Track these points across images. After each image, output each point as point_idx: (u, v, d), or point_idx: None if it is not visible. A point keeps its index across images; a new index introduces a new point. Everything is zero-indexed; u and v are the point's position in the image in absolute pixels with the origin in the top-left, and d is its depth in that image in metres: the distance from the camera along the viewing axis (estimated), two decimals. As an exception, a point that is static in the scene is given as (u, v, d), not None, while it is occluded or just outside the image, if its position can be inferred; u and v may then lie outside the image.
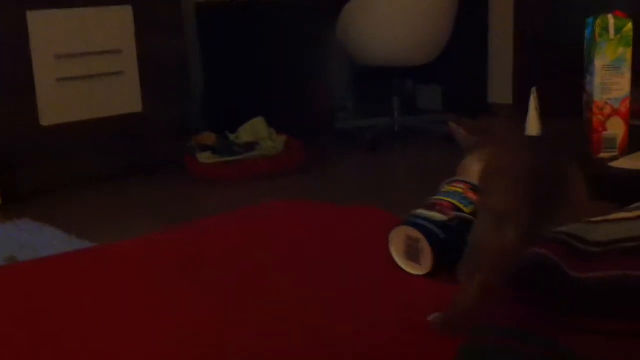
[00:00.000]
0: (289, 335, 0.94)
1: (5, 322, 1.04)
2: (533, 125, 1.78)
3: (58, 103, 3.30)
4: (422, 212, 1.10)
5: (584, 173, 1.02)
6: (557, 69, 4.22)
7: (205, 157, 3.47)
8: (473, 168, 1.12)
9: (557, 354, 0.70)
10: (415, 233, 1.06)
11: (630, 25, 1.65)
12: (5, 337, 1.00)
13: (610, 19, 1.65)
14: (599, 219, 0.85)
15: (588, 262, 0.78)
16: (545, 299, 0.75)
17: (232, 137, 3.65)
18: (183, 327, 0.99)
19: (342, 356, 0.89)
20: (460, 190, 1.12)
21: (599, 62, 1.66)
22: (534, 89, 1.80)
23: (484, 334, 0.74)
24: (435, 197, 1.13)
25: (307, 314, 1.00)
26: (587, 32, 1.74)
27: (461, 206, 1.09)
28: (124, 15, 3.45)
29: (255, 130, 3.67)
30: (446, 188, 1.14)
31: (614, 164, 1.65)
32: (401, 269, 1.10)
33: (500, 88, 4.64)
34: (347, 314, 1.00)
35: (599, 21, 1.66)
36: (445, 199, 1.11)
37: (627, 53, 1.65)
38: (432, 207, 1.10)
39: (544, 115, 1.85)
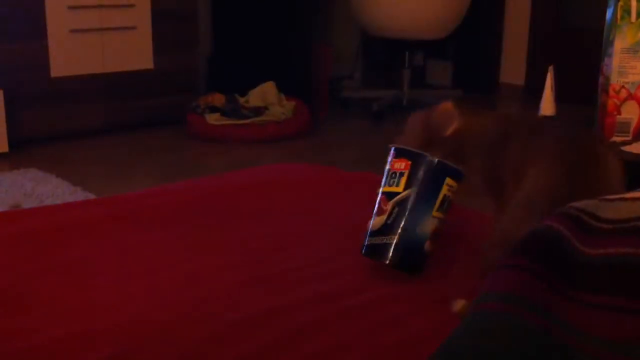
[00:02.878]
0: (292, 286, 0.95)
1: (6, 264, 1.05)
2: (548, 105, 1.77)
3: (69, 55, 3.29)
4: (371, 225, 1.00)
5: (619, 160, 0.99)
6: (572, 52, 4.19)
7: (213, 119, 3.46)
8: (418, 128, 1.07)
9: (556, 325, 0.71)
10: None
11: (652, 10, 1.63)
12: (7, 279, 1.01)
13: (633, 2, 1.63)
14: (611, 197, 0.85)
15: (598, 238, 0.78)
16: (553, 271, 0.75)
17: (241, 100, 3.64)
18: (180, 278, 0.99)
19: (347, 307, 0.90)
20: (388, 167, 1.00)
21: (618, 45, 1.65)
22: (550, 68, 1.79)
23: (487, 301, 0.75)
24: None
25: (308, 267, 1.01)
26: (608, 13, 1.73)
27: (392, 189, 0.97)
28: (140, -31, 3.43)
29: (264, 94, 3.66)
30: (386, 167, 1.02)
31: (626, 148, 1.65)
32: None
33: (512, 68, 4.62)
34: (350, 268, 1.01)
35: (621, 3, 1.65)
36: (381, 189, 1.00)
37: (647, 37, 1.64)
38: (377, 210, 1.00)
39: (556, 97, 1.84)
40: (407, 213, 0.94)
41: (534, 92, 2.50)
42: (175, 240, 1.14)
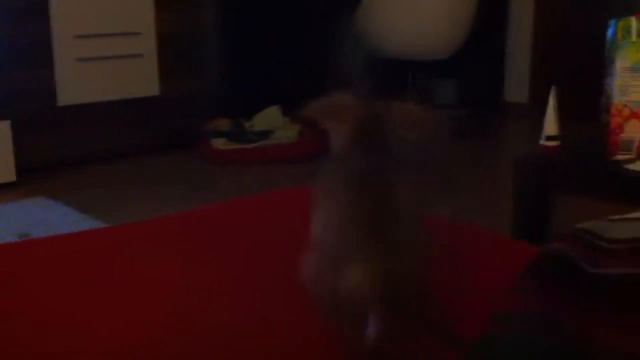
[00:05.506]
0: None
1: (15, 297, 1.06)
2: (551, 126, 1.78)
3: (76, 83, 3.32)
4: None
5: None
6: (575, 70, 4.21)
7: (219, 143, 3.49)
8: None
9: (571, 341, 0.71)
10: None
11: (652, 29, 1.65)
12: (18, 312, 1.02)
13: (633, 22, 1.65)
14: (616, 217, 0.86)
15: (606, 258, 0.79)
16: (563, 290, 0.76)
17: (247, 124, 3.66)
18: (188, 310, 1.00)
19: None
20: None
21: (619, 64, 1.66)
22: (553, 88, 1.80)
23: (502, 321, 0.76)
24: None
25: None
26: (608, 33, 1.74)
27: None
28: (145, -3, 3.47)
29: (269, 118, 3.69)
30: None
31: (630, 166, 1.66)
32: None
33: (516, 87, 4.64)
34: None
35: (621, 23, 1.67)
36: None
37: (649, 56, 1.65)
38: None
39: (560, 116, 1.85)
40: None
41: (538, 110, 2.50)
42: (179, 272, 1.14)
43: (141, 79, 3.51)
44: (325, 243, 0.77)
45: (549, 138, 1.80)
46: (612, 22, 1.71)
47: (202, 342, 0.91)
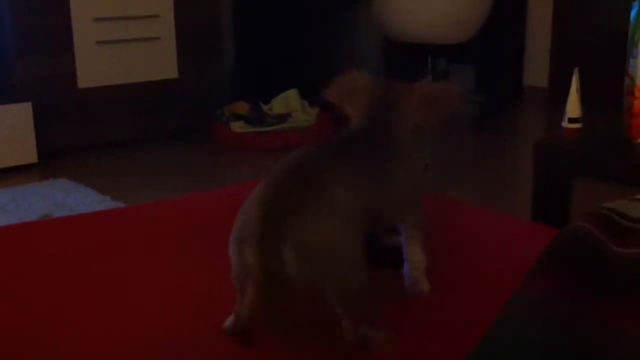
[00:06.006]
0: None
1: (36, 273, 1.07)
2: (574, 108, 1.77)
3: (96, 66, 3.34)
4: None
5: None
6: (597, 54, 4.17)
7: (238, 127, 3.49)
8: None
9: (590, 324, 0.71)
10: None
11: (677, 10, 1.63)
12: (37, 287, 1.03)
13: (658, 2, 1.63)
14: (639, 196, 0.85)
15: (630, 238, 0.78)
16: (585, 271, 0.76)
17: (265, 108, 3.66)
18: (202, 289, 1.01)
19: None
20: None
21: (643, 46, 1.64)
22: (576, 70, 1.79)
23: (521, 302, 0.75)
24: None
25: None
26: (632, 14, 1.72)
27: None
28: (164, -19, 3.47)
29: (288, 102, 3.69)
30: None
31: (652, 149, 1.64)
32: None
33: (536, 71, 4.60)
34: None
35: (645, 4, 1.64)
36: None
37: (673, 38, 1.63)
38: None
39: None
40: None
41: (558, 95, 2.48)
42: (195, 252, 1.15)
43: (160, 62, 3.52)
44: (237, 221, 0.83)
45: (571, 120, 1.79)
46: (636, 3, 1.69)
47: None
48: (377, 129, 0.96)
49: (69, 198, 2.65)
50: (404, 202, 0.94)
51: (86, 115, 3.35)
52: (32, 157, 3.11)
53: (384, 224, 0.95)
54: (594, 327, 0.70)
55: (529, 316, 0.72)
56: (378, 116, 0.97)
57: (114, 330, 0.90)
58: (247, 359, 0.83)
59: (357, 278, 0.81)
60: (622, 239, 0.78)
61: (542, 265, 0.80)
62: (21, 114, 3.08)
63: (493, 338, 0.71)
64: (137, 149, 3.42)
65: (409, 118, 0.97)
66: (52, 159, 3.20)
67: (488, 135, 3.80)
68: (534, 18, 4.56)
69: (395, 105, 0.98)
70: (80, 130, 3.34)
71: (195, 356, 0.84)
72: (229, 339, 0.85)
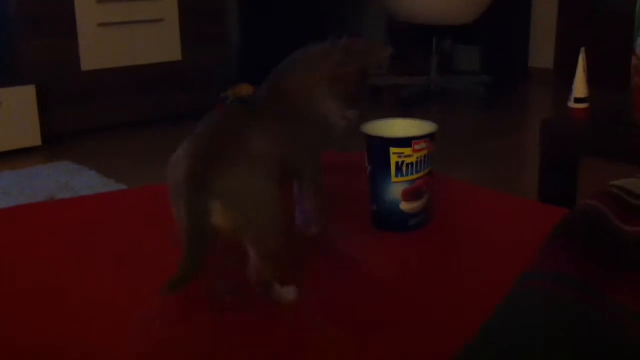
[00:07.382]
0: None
1: (40, 255, 1.07)
2: (581, 87, 1.75)
3: (99, 48, 3.33)
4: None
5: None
6: (603, 35, 4.13)
7: (242, 109, 3.48)
8: None
9: (602, 302, 0.70)
10: None
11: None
12: (41, 268, 1.03)
13: (667, -20, 1.60)
14: (650, 175, 0.84)
15: (637, 215, 0.77)
16: (596, 248, 0.75)
17: (269, 89, 3.65)
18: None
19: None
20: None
21: (651, 24, 1.62)
22: (583, 49, 1.77)
23: (532, 279, 0.75)
24: None
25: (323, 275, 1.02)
26: (641, -7, 1.69)
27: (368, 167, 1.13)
28: (167, -38, 3.45)
29: (292, 84, 3.67)
30: None
31: (660, 128, 1.63)
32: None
33: (542, 52, 4.57)
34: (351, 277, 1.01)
35: (654, -18, 1.62)
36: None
37: (682, 16, 1.61)
38: None
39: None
40: (372, 185, 1.09)
41: (564, 76, 2.46)
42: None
43: (163, 44, 3.50)
44: (167, 178, 0.89)
45: (578, 100, 1.77)
46: (644, -19, 1.66)
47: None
48: (293, 82, 1.05)
49: (73, 181, 2.65)
50: (304, 155, 1.00)
51: (90, 97, 3.34)
52: (36, 139, 3.11)
53: (287, 176, 1.00)
54: (603, 302, 0.69)
55: (539, 291, 0.72)
56: (296, 73, 1.07)
57: (118, 312, 0.90)
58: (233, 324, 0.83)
59: (276, 219, 0.86)
60: (630, 216, 0.78)
61: (552, 242, 0.79)
62: (25, 97, 3.07)
63: (501, 315, 0.71)
64: (141, 132, 3.41)
65: (326, 74, 1.05)
66: (56, 142, 3.19)
67: (494, 115, 3.78)
68: (540, -2, 4.53)
69: (312, 62, 1.07)
70: (84, 113, 3.34)
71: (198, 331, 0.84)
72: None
